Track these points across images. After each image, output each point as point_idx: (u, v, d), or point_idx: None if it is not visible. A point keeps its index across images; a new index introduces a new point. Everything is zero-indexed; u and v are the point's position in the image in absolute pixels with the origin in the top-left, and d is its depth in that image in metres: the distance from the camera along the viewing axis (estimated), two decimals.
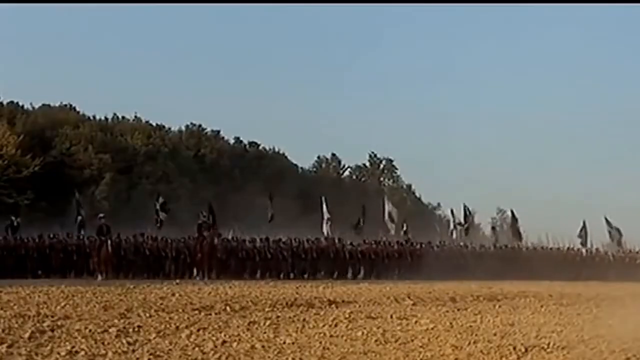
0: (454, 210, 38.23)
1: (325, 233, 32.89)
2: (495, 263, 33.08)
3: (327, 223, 33.33)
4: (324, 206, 33.82)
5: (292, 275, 29.76)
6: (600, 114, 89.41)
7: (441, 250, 34.00)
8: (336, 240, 32.15)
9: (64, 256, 27.60)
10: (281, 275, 29.55)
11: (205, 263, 26.81)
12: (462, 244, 35.93)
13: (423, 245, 34.11)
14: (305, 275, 29.88)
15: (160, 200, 31.81)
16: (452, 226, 38.55)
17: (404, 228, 36.44)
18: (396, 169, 76.54)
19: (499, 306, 16.95)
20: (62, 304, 15.31)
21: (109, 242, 26.22)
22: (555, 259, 35.97)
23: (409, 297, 18.49)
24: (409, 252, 33.09)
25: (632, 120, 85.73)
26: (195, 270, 27.16)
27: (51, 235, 28.45)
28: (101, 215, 27.81)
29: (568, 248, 37.61)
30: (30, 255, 27.23)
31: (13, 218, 29.52)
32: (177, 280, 25.01)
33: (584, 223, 37.55)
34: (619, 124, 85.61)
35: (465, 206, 38.12)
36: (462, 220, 37.76)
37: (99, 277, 25.38)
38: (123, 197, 51.86)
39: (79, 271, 27.27)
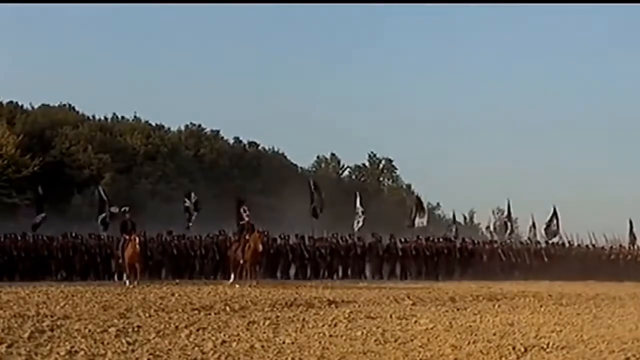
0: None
1: (356, 229, 30.92)
2: (543, 262, 31.70)
3: (359, 219, 31.39)
4: (358, 201, 32.10)
5: (335, 276, 28.29)
6: (601, 113, 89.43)
7: (490, 248, 31.72)
8: (379, 238, 29.79)
9: (88, 257, 26.12)
10: (325, 275, 28.06)
11: (251, 267, 23.38)
12: (508, 241, 33.70)
13: (474, 243, 32.22)
14: (345, 275, 28.32)
15: (193, 197, 29.86)
16: (490, 225, 36.82)
17: (451, 226, 35.01)
18: (396, 168, 76.56)
19: (499, 306, 16.93)
20: (62, 304, 15.32)
21: (137, 239, 22.74)
22: (601, 257, 33.72)
23: (408, 297, 18.49)
24: (458, 249, 30.87)
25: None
26: (233, 275, 24.10)
27: (73, 234, 26.86)
28: (126, 209, 24.63)
29: (620, 246, 35.01)
30: (54, 256, 25.83)
31: (42, 215, 27.64)
32: (177, 280, 24.58)
33: (631, 222, 35.64)
34: (620, 123, 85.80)
35: (508, 203, 35.60)
36: (505, 218, 35.57)
37: (126, 281, 22.66)
38: (123, 197, 51.79)
39: (102, 273, 25.91)
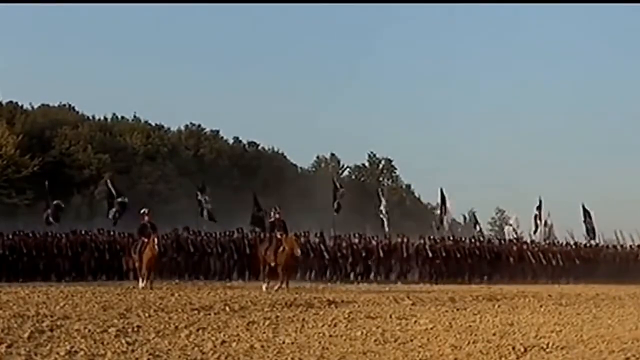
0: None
1: (387, 229, 30.13)
2: (574, 264, 30.68)
3: (383, 218, 30.60)
4: (382, 197, 31.43)
5: (360, 277, 26.99)
6: (601, 113, 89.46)
7: (519, 249, 30.36)
8: (402, 238, 28.52)
9: (99, 255, 25.40)
10: (347, 277, 26.94)
11: (283, 270, 21.56)
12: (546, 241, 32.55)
13: (502, 243, 31.19)
14: (371, 276, 27.22)
15: (207, 191, 29.04)
16: (514, 224, 34.86)
17: (476, 225, 34.00)
18: (395, 168, 76.66)
19: (498, 306, 16.93)
20: (61, 304, 15.32)
21: (156, 241, 21.28)
22: (634, 258, 32.47)
23: (408, 297, 18.49)
24: (488, 250, 29.75)
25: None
26: (263, 278, 22.20)
27: (83, 231, 26.06)
28: (145, 210, 22.58)
29: None
30: (64, 254, 25.09)
31: (57, 202, 27.19)
32: (177, 280, 24.43)
33: None
34: (619, 123, 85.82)
35: (540, 200, 34.10)
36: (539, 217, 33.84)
37: (141, 283, 21.39)
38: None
39: (114, 274, 25.16)
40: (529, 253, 30.24)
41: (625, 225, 34.94)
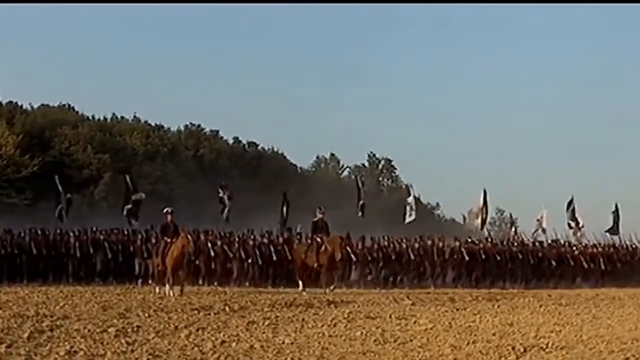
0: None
1: (407, 222, 29.02)
2: (615, 267, 28.54)
3: (411, 212, 29.29)
4: (412, 194, 30.24)
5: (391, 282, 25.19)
6: (601, 113, 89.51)
7: (558, 252, 28.40)
8: (435, 240, 26.78)
9: (112, 256, 23.75)
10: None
11: (327, 272, 20.55)
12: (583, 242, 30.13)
13: (543, 246, 28.83)
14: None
15: (227, 187, 27.21)
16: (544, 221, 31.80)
17: (514, 226, 32.23)
18: (395, 168, 76.67)
19: (498, 306, 16.93)
20: (61, 304, 15.33)
21: (190, 239, 19.85)
22: None
23: (407, 297, 18.49)
24: (530, 253, 27.70)
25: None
26: (300, 283, 21.04)
27: (94, 228, 24.63)
28: (168, 209, 20.76)
29: None
30: (72, 254, 23.49)
31: (68, 197, 26.16)
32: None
33: None
34: (619, 124, 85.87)
35: (572, 199, 31.98)
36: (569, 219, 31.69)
37: (167, 289, 19.34)
38: (121, 198, 51.87)
39: (125, 274, 23.55)
40: (571, 256, 28.43)
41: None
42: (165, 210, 20.80)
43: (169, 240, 19.97)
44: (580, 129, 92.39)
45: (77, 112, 59.83)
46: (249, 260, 24.15)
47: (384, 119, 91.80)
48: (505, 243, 28.64)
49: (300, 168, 70.38)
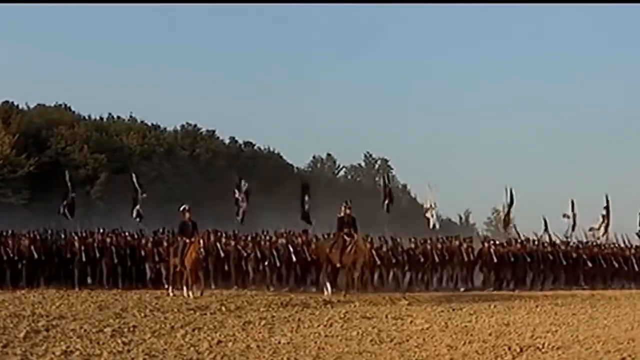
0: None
1: (432, 225, 27.27)
2: None
3: (432, 212, 27.65)
4: (430, 192, 28.42)
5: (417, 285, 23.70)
6: (600, 113, 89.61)
7: (591, 253, 27.28)
8: (463, 241, 25.61)
9: (119, 260, 21.94)
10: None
11: (350, 275, 19.04)
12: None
13: (578, 247, 27.51)
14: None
15: (244, 185, 25.61)
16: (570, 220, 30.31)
17: (546, 227, 29.78)
18: (391, 168, 76.63)
19: (494, 306, 16.93)
20: (57, 304, 15.32)
21: (201, 243, 18.93)
22: None
23: (404, 297, 18.48)
24: (563, 254, 26.51)
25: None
26: (327, 285, 19.50)
27: (101, 230, 23.05)
28: (185, 207, 19.74)
29: None
30: (78, 259, 21.56)
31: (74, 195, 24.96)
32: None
33: None
34: (619, 124, 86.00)
35: (607, 199, 30.21)
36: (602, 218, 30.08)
37: (185, 292, 18.54)
38: (118, 198, 51.83)
39: (135, 279, 21.97)
40: (603, 256, 27.31)
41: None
42: (182, 208, 19.87)
43: (187, 240, 19.09)
44: (579, 129, 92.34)
45: (74, 112, 59.71)
46: (266, 263, 22.47)
47: (381, 119, 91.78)
48: (535, 243, 27.26)
49: (297, 168, 70.29)
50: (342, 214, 19.70)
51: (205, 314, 14.00)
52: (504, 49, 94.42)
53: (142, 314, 13.66)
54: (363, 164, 76.77)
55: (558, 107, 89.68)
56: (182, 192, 53.31)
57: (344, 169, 76.16)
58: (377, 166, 77.04)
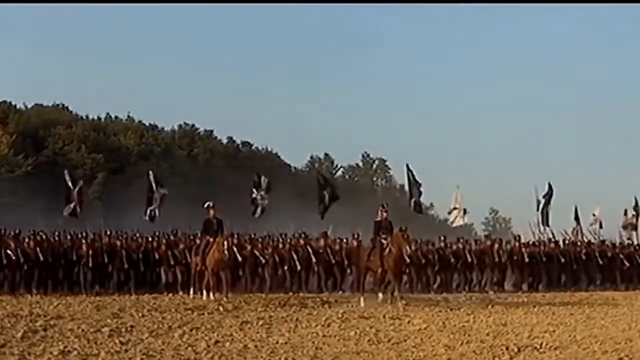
0: None
1: (455, 225, 27.23)
2: None
3: (460, 213, 27.16)
4: (457, 194, 27.70)
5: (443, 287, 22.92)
6: (599, 113, 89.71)
7: (628, 253, 26.40)
8: (493, 241, 24.98)
9: (129, 265, 20.88)
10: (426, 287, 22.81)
11: (394, 274, 17.78)
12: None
13: (614, 247, 26.81)
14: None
15: (264, 181, 24.90)
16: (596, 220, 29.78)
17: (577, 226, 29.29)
18: (389, 169, 76.68)
19: (492, 306, 16.94)
20: (55, 304, 15.32)
21: (225, 245, 17.96)
22: None
23: (401, 297, 18.44)
24: (599, 254, 25.70)
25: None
26: (362, 290, 18.21)
27: (108, 232, 22.03)
28: (210, 204, 19.03)
29: None
30: (85, 263, 20.35)
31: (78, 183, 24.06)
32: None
33: None
34: (618, 124, 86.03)
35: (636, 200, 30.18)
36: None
37: (205, 295, 18.00)
38: (116, 197, 51.81)
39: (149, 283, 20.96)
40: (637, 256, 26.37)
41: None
42: (206, 205, 19.10)
43: (211, 239, 18.36)
44: (579, 129, 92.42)
45: (71, 112, 59.75)
46: (285, 267, 21.82)
47: (379, 119, 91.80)
48: (568, 243, 26.74)
49: (295, 168, 70.32)
50: (379, 218, 18.80)
51: (203, 314, 14.00)
52: (504, 49, 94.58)
53: (140, 314, 13.66)
54: (361, 163, 76.81)
55: (558, 107, 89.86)
56: (180, 192, 53.30)
57: (341, 169, 76.24)
58: (374, 166, 77.13)
